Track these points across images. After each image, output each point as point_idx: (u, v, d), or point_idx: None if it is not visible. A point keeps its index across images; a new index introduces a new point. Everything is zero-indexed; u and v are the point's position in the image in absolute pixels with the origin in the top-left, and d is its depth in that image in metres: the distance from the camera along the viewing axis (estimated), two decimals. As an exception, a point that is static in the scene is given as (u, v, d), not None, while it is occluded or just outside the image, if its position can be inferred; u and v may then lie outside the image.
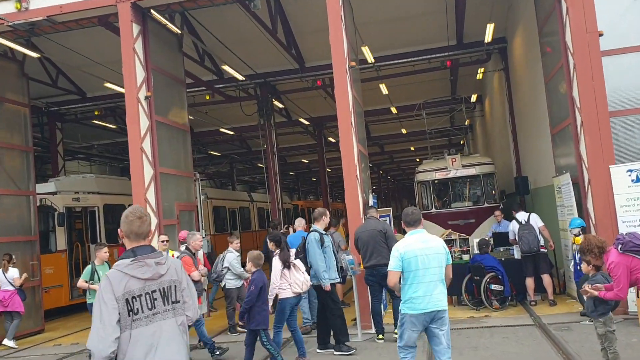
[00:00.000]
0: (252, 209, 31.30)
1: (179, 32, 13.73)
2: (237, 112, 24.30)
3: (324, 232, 8.71)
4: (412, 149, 40.78)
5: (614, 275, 5.70)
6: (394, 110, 25.54)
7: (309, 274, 8.54)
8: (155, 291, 3.40)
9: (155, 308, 3.38)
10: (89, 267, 9.72)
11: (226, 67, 17.33)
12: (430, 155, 21.65)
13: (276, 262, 7.97)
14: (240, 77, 18.29)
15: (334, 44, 10.25)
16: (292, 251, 8.25)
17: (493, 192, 16.49)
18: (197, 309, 3.71)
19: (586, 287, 6.07)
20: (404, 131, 32.13)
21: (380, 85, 20.96)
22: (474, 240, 11.84)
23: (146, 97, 11.22)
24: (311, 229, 8.80)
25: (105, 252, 9.83)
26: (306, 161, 41.39)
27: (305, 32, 17.79)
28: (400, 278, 5.59)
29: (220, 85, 19.75)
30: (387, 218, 12.32)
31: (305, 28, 17.54)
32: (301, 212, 40.27)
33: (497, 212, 13.28)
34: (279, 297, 7.87)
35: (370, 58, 17.24)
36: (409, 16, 17.04)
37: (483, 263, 10.81)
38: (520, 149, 17.88)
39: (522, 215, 11.19)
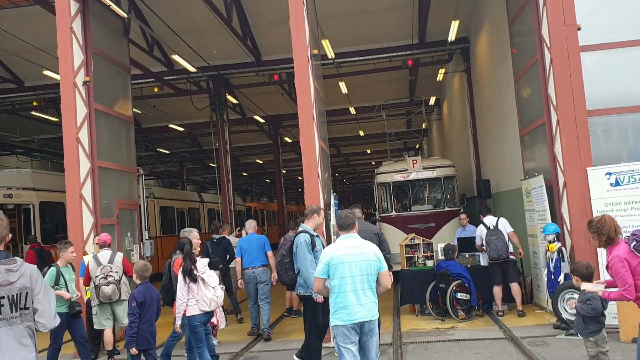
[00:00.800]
0: (203, 210, 30.08)
1: (125, 15, 12.61)
2: (188, 107, 23.16)
3: (315, 234, 7.39)
4: (368, 151, 40.27)
5: (616, 272, 4.92)
6: (352, 110, 24.87)
7: (295, 281, 7.48)
8: (3, 297, 3.42)
9: (1, 314, 3.41)
10: (52, 270, 7.89)
11: (176, 57, 16.20)
12: (388, 158, 21.00)
13: (180, 275, 6.93)
14: (191, 69, 17.19)
15: (294, 28, 9.36)
16: (203, 261, 7.03)
17: (454, 195, 15.92)
18: (54, 317, 3.68)
19: (588, 285, 5.32)
20: (361, 133, 31.54)
21: (340, 84, 20.21)
22: (439, 245, 11.14)
23: (84, 82, 10.08)
24: (300, 229, 7.48)
25: (72, 253, 8.26)
26: (260, 162, 40.40)
27: (262, 24, 16.88)
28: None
29: (170, 77, 18.61)
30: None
31: (263, 19, 16.64)
32: (254, 214, 39.20)
33: (463, 216, 12.62)
34: (186, 314, 6.81)
35: (330, 53, 16.47)
36: (373, 10, 16.35)
37: (449, 270, 10.10)
38: (480, 152, 17.41)
39: (489, 220, 10.55)
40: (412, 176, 15.97)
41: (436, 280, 10.24)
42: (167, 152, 32.77)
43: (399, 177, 16.13)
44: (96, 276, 8.51)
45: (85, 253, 9.53)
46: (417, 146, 39.67)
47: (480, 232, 10.57)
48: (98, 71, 10.67)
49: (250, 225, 10.82)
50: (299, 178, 56.31)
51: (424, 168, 15.99)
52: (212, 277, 6.99)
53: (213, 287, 6.88)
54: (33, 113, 21.35)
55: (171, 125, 25.56)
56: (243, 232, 13.41)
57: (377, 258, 5.18)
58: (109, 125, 11.16)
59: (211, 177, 49.61)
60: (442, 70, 19.73)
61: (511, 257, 10.21)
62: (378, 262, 5.17)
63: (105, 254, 8.76)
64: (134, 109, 21.38)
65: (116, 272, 8.61)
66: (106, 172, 10.70)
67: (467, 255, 11.38)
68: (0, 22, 14.90)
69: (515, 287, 10.19)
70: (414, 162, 16.09)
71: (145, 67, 16.96)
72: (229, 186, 18.73)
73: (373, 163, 50.49)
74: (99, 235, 9.71)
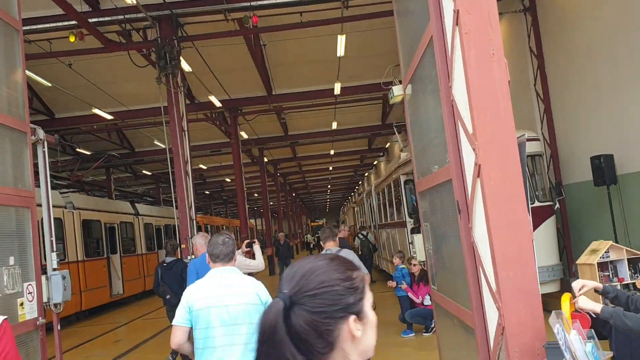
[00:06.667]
0: (138, 224, 23.49)
1: None
2: (121, 84, 17.00)
3: None
4: (331, 152, 34.51)
5: None
6: (337, 89, 19.03)
7: None
8: None
9: None
10: None
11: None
12: (402, 149, 15.42)
13: None
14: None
15: None
16: None
17: (542, 183, 10.49)
18: None
19: None
20: (334, 125, 25.78)
21: (339, 39, 14.49)
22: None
23: None
24: None
25: None
26: (204, 167, 33.81)
27: None
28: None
29: (95, 19, 12.32)
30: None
31: None
32: (198, 230, 32.78)
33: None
34: None
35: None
36: None
37: None
38: (561, 122, 12.09)
39: None
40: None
41: None
42: (88, 153, 25.67)
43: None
44: None
45: None
46: (387, 145, 34.39)
47: None
48: None
49: (203, 239, 7.16)
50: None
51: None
52: None
53: None
54: None
55: (96, 111, 18.91)
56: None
57: (260, 301, 3.81)
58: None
59: (143, 189, 42.57)
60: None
61: None
62: (263, 306, 3.71)
63: None
64: (36, 76, 14.90)
65: None
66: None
67: None
68: None
69: None
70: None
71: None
72: (189, 182, 12.50)
73: (330, 168, 44.88)
74: None
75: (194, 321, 3.84)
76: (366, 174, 50.25)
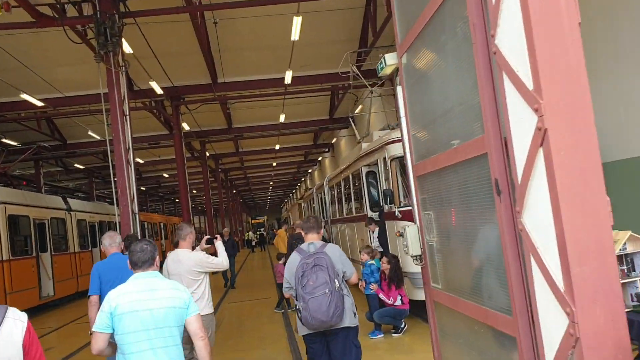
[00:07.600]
0: (70, 221, 21.83)
1: None
2: (55, 67, 15.62)
3: None
4: (276, 147, 33.53)
5: None
6: (288, 78, 18.10)
7: None
8: None
9: None
10: None
11: None
12: (362, 134, 14.69)
13: None
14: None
15: None
16: None
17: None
18: None
19: None
20: (282, 118, 24.83)
21: (295, 19, 13.63)
22: None
23: None
24: None
25: None
26: (141, 161, 32.13)
27: None
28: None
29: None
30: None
31: None
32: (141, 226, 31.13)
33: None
34: None
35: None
36: None
37: None
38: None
39: None
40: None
41: None
42: (15, 143, 23.69)
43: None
44: None
45: None
46: (334, 140, 33.73)
47: None
48: None
49: (107, 240, 6.27)
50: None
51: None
52: None
53: None
54: None
55: (24, 97, 17.24)
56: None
57: (184, 304, 3.87)
58: None
59: (75, 184, 40.32)
60: None
61: None
62: (187, 308, 3.87)
63: None
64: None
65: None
66: None
67: None
68: None
69: None
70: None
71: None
72: (131, 172, 11.30)
73: (274, 164, 43.84)
74: None
75: (116, 326, 3.79)
76: (310, 170, 49.57)
